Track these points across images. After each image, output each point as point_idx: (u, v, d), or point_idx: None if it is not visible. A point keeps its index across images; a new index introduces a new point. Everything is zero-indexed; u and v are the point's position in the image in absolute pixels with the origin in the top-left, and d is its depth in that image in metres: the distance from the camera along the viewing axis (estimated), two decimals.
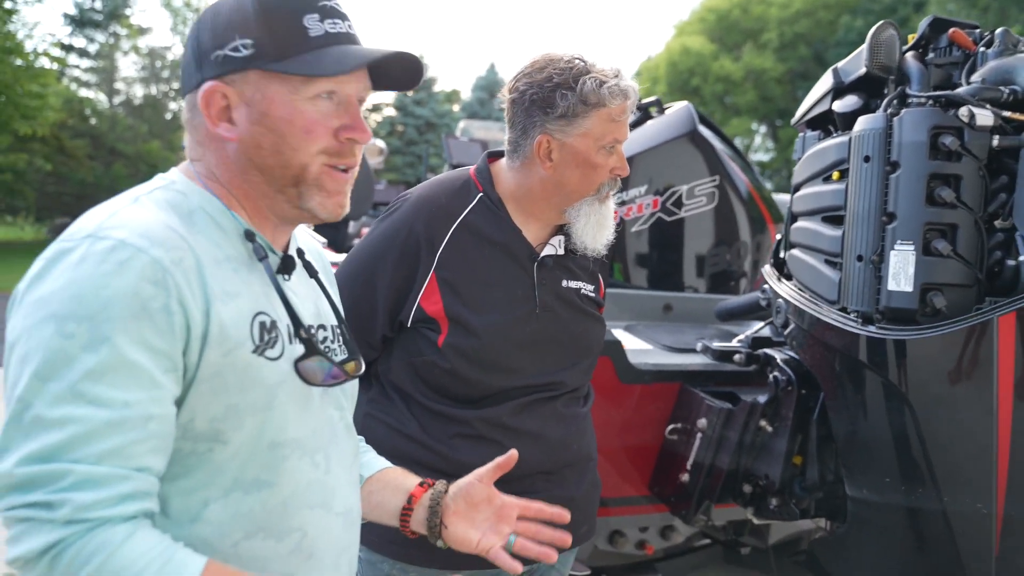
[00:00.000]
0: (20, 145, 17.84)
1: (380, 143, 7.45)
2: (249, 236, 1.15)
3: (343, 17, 1.16)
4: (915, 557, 2.24)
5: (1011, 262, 2.02)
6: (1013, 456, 2.01)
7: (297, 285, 1.24)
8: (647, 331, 3.26)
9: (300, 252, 1.29)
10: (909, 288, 2.06)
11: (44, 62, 16.17)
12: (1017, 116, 2.04)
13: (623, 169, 1.90)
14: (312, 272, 1.29)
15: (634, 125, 3.76)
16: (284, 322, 1.16)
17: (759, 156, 35.11)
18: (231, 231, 1.15)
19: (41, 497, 0.93)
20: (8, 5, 15.88)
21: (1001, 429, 2.00)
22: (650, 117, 3.80)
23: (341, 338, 1.31)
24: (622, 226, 3.64)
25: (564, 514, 1.48)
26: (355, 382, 1.33)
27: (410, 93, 31.05)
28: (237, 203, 1.18)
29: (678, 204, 3.63)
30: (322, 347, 1.23)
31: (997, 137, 2.02)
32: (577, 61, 1.82)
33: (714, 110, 33.53)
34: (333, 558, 1.23)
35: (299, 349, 1.16)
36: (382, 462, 1.51)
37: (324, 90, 1.14)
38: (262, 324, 1.11)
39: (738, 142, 32.60)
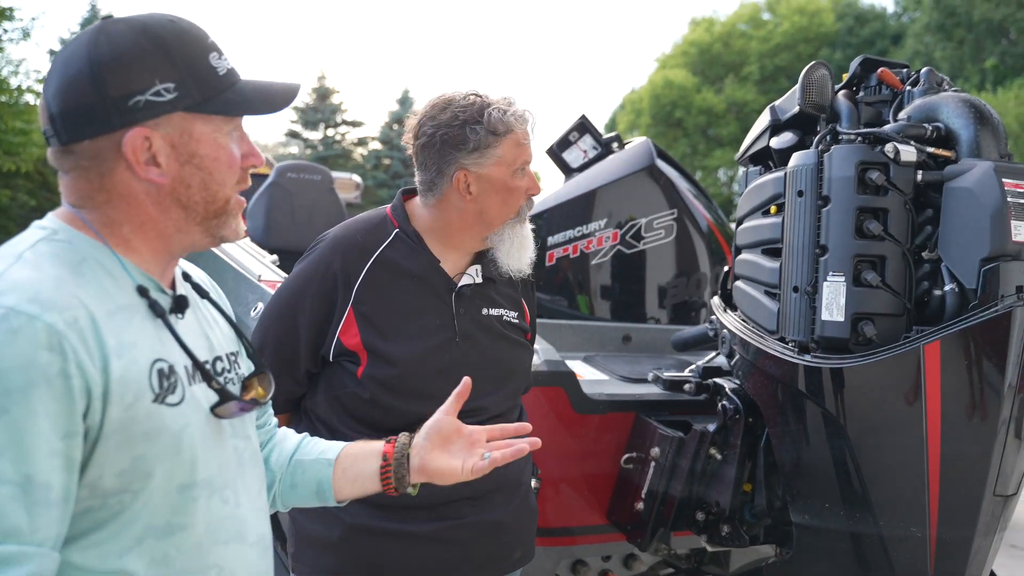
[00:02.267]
0: (4, 181, 17.85)
1: (356, 178, 7.52)
2: (142, 291, 1.14)
3: (223, 53, 1.21)
4: None
5: (938, 292, 2.09)
6: (944, 481, 2.06)
7: (190, 320, 1.24)
8: (604, 361, 3.31)
9: (186, 276, 1.29)
10: (841, 318, 2.12)
11: (29, 99, 16.23)
12: (940, 152, 2.12)
13: (536, 188, 2.00)
14: (202, 293, 1.30)
15: (595, 160, 3.85)
16: (182, 364, 1.16)
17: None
18: (123, 280, 1.13)
19: None
20: None
21: (931, 454, 2.05)
22: (610, 152, 3.90)
23: (239, 359, 1.32)
24: (583, 259, 3.72)
25: (526, 426, 1.54)
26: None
27: (395, 126, 31.26)
28: (134, 249, 1.16)
29: (637, 237, 3.71)
30: (221, 379, 1.24)
31: (921, 172, 2.10)
32: (473, 97, 1.92)
33: (697, 142, 33.89)
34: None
35: (199, 390, 1.17)
36: (339, 444, 1.53)
37: (236, 125, 1.20)
38: (160, 371, 1.11)
39: (721, 173, 32.97)
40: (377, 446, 1.50)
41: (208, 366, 1.22)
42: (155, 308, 1.14)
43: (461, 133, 1.88)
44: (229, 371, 1.27)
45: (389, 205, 2.07)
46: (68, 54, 1.13)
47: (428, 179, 1.96)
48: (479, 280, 2.01)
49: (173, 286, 1.23)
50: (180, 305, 1.21)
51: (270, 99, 1.21)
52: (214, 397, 1.19)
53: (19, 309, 0.99)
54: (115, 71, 1.10)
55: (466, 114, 1.89)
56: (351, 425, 1.93)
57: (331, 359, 1.94)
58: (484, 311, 2.01)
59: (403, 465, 1.46)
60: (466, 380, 1.51)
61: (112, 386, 1.04)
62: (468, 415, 1.96)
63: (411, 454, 1.46)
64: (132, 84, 1.10)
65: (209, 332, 1.28)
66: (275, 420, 1.57)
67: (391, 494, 1.47)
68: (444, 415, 1.49)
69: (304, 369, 1.97)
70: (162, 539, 1.11)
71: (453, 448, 1.47)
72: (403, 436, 1.49)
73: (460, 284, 1.99)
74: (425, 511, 1.93)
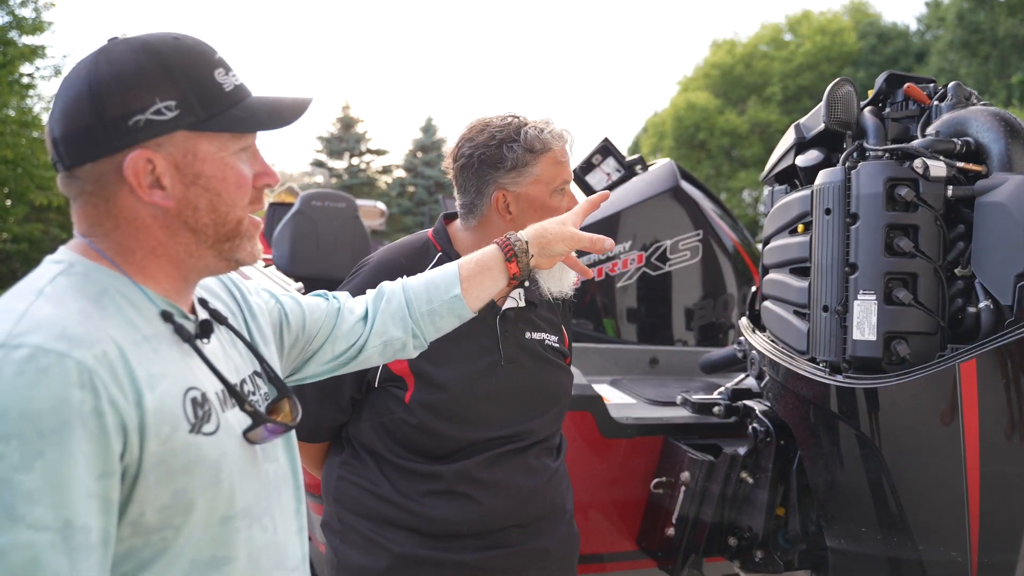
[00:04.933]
0: (36, 215, 18.16)
1: (381, 205, 7.58)
2: (166, 317, 1.11)
3: (231, 69, 1.16)
4: None
5: (972, 309, 2.04)
6: (984, 503, 2.01)
7: (214, 345, 1.20)
8: (631, 385, 3.28)
9: (203, 302, 1.24)
10: (873, 337, 2.08)
11: None
12: (970, 167, 2.09)
13: None
14: (220, 319, 1.24)
15: (619, 183, 3.84)
16: (213, 390, 1.13)
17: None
18: (145, 308, 1.10)
19: None
20: (26, 80, 16.34)
21: (970, 476, 2.00)
22: (634, 174, 3.88)
23: (261, 381, 1.28)
24: (608, 282, 3.69)
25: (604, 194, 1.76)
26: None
27: (419, 154, 31.48)
28: (151, 276, 1.13)
29: (663, 259, 3.68)
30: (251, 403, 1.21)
31: (951, 187, 2.06)
32: (511, 118, 1.93)
33: (721, 163, 33.82)
34: None
35: (232, 416, 1.15)
36: (452, 270, 1.55)
37: (247, 143, 1.15)
38: (194, 400, 1.08)
39: (745, 194, 32.83)
40: (489, 249, 1.56)
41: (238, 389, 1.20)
42: (182, 333, 1.11)
43: (498, 152, 1.89)
44: (254, 394, 1.25)
45: (431, 229, 2.07)
46: (70, 78, 1.10)
47: (468, 201, 1.96)
48: (522, 304, 2.00)
49: (193, 311, 1.21)
50: (205, 330, 1.18)
51: (279, 113, 1.16)
52: (246, 422, 1.16)
53: (47, 347, 0.95)
54: (114, 91, 1.06)
55: (503, 134, 1.90)
56: (396, 451, 1.92)
57: (376, 385, 1.92)
58: (527, 335, 2.00)
59: (525, 252, 1.53)
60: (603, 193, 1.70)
61: (148, 420, 1.01)
62: (515, 439, 1.96)
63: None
64: (131, 103, 1.06)
65: (233, 355, 1.25)
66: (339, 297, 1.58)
67: (514, 272, 1.53)
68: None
69: (348, 396, 1.95)
70: (207, 574, 1.09)
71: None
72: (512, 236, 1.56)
73: (504, 307, 1.97)
74: (474, 539, 1.91)
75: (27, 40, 15.85)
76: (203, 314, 1.22)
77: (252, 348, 1.29)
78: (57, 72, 16.55)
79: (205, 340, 1.18)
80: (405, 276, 1.94)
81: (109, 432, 0.96)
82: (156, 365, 1.05)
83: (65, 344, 0.96)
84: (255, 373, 1.28)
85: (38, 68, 16.56)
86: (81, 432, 0.94)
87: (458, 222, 2.02)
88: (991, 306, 1.99)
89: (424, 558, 1.90)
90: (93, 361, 0.97)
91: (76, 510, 0.93)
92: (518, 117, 1.93)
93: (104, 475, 0.96)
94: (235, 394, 1.15)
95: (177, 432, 1.04)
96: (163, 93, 1.08)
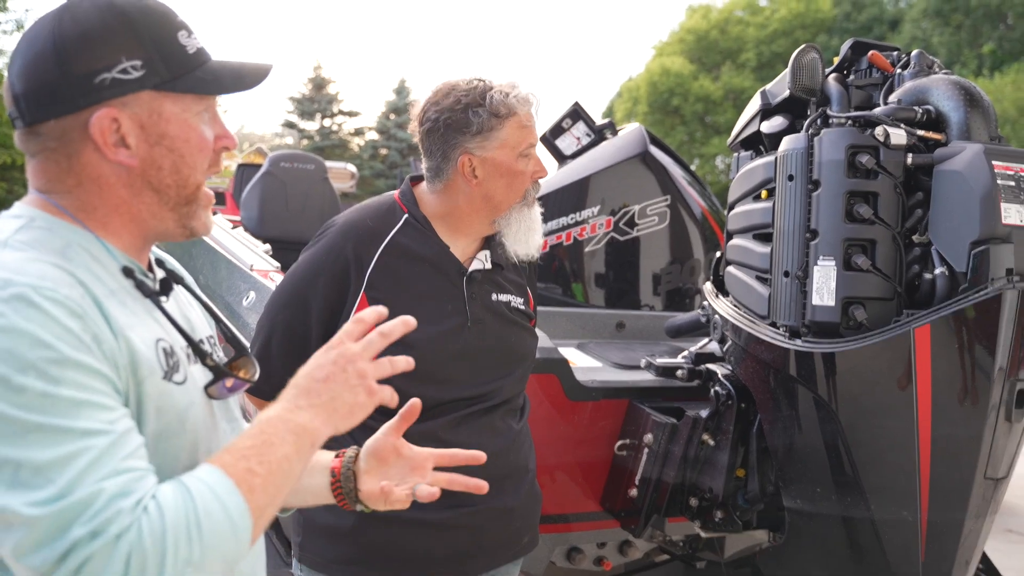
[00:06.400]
0: (0, 174, 17.88)
1: (351, 167, 7.52)
2: (128, 272, 1.12)
3: (194, 32, 1.18)
4: (848, 565, 2.29)
5: (928, 275, 2.08)
6: (935, 464, 2.07)
7: (172, 304, 1.22)
8: (597, 348, 3.31)
9: (160, 262, 1.26)
10: (831, 302, 2.12)
11: None
12: (931, 135, 2.12)
13: (542, 171, 1.99)
14: (177, 279, 1.27)
15: (588, 147, 3.84)
16: (179, 345, 1.15)
17: None
18: (108, 263, 1.11)
19: (83, 530, 0.90)
20: None
21: (922, 438, 2.05)
22: (604, 139, 3.88)
23: (216, 342, 1.31)
24: (576, 246, 3.71)
25: (479, 456, 1.48)
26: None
27: (392, 116, 31.20)
28: (112, 232, 1.13)
29: (631, 224, 3.70)
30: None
31: (911, 155, 2.09)
32: (477, 82, 1.92)
33: (695, 129, 33.84)
34: (250, 570, 1.26)
35: (196, 370, 1.18)
36: None
37: (207, 106, 1.17)
38: (164, 350, 1.11)
39: (718, 161, 32.92)
40: (325, 460, 1.44)
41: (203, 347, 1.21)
42: (143, 289, 1.13)
43: (464, 117, 1.88)
44: (211, 354, 1.26)
45: (397, 191, 2.06)
46: (33, 33, 1.10)
47: (434, 165, 1.95)
48: (488, 266, 2.01)
49: (151, 270, 1.22)
50: (165, 287, 1.20)
51: (241, 78, 1.18)
52: (207, 379, 1.18)
53: (34, 284, 0.97)
54: (80, 48, 1.07)
55: (469, 98, 1.88)
56: None
57: None
58: (493, 296, 2.01)
59: (350, 480, 1.42)
60: (414, 402, 1.42)
61: (132, 358, 1.03)
62: (481, 400, 1.97)
63: (355, 473, 1.42)
64: (97, 61, 1.07)
65: (190, 315, 1.27)
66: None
67: (347, 509, 1.44)
68: (384, 436, 1.43)
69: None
70: None
71: (390, 472, 1.42)
72: (351, 450, 1.45)
73: (471, 269, 1.98)
74: (438, 498, 1.93)
75: None
76: (160, 274, 1.23)
77: (209, 308, 1.31)
78: (19, 26, 16.22)
79: (166, 298, 1.19)
80: (370, 237, 1.95)
81: (107, 358, 0.99)
82: (124, 317, 1.06)
83: (49, 282, 0.98)
84: (209, 337, 1.29)
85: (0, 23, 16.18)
86: (89, 357, 0.97)
87: (424, 184, 2.02)
88: (946, 273, 2.03)
89: (388, 516, 1.91)
90: (78, 297, 0.99)
91: (115, 415, 0.97)
92: (484, 81, 1.92)
93: (115, 392, 1.00)
94: (197, 349, 1.17)
95: (153, 377, 1.06)
96: (129, 52, 1.09)
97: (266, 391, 1.97)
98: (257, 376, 1.27)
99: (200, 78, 1.14)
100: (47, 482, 0.90)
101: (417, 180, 2.07)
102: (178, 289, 1.27)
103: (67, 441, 0.92)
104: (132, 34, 1.09)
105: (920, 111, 2.13)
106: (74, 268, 1.05)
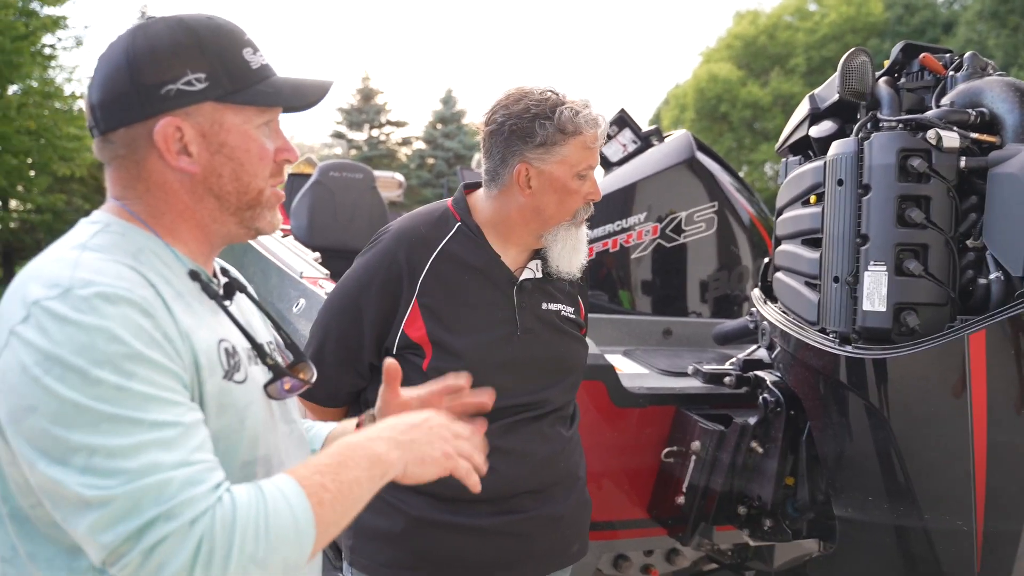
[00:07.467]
0: (59, 186, 18.36)
1: (399, 176, 7.58)
2: (194, 276, 1.18)
3: (259, 50, 1.24)
4: (900, 575, 2.25)
5: (982, 280, 2.05)
6: (991, 473, 2.02)
7: (235, 310, 1.28)
8: (644, 355, 3.30)
9: (224, 271, 1.32)
10: (883, 308, 2.09)
11: (83, 105, 16.72)
12: (984, 137, 2.08)
13: (596, 194, 1.98)
14: (240, 287, 1.33)
15: (634, 154, 3.84)
16: (242, 346, 1.21)
17: None
18: (175, 267, 1.17)
19: (157, 510, 0.95)
20: (48, 51, 16.44)
21: (977, 446, 2.01)
22: (650, 145, 3.88)
23: (278, 347, 1.36)
24: (623, 253, 3.71)
25: (485, 403, 1.49)
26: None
27: (439, 126, 31.41)
28: (179, 238, 1.20)
29: (677, 230, 3.69)
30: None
31: (964, 158, 2.06)
32: (550, 93, 1.91)
33: (743, 136, 33.48)
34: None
35: (257, 371, 1.22)
36: (326, 427, 1.53)
37: (269, 119, 1.23)
38: (226, 350, 1.16)
39: (767, 167, 32.52)
40: (349, 426, 1.50)
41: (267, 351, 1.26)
42: (208, 291, 1.19)
43: (530, 126, 1.88)
44: (271, 355, 1.30)
45: (450, 199, 2.08)
46: (110, 50, 1.18)
47: (492, 167, 1.96)
48: (539, 275, 2.02)
49: (215, 276, 1.28)
50: (229, 292, 1.26)
51: (302, 93, 1.24)
52: (267, 379, 1.23)
53: (112, 284, 1.03)
54: (150, 62, 1.15)
55: (538, 108, 1.88)
56: None
57: (395, 352, 1.94)
58: (544, 306, 2.01)
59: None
60: (391, 363, 1.43)
61: (196, 358, 1.09)
62: (531, 408, 1.98)
63: None
64: (165, 74, 1.15)
65: (252, 321, 1.33)
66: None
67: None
68: (385, 399, 1.45)
69: (367, 362, 1.98)
70: None
71: None
72: (367, 416, 1.48)
73: (521, 278, 1.99)
74: (488, 504, 1.94)
75: (49, 11, 15.93)
76: (224, 280, 1.30)
77: (270, 317, 1.37)
78: (78, 43, 16.66)
79: (229, 302, 1.25)
80: (423, 245, 1.98)
81: (173, 357, 1.05)
82: (190, 319, 1.12)
83: (124, 283, 1.05)
84: (269, 343, 1.35)
85: (60, 39, 16.66)
86: (159, 354, 1.03)
87: (480, 191, 2.03)
88: (1002, 278, 1.99)
89: (439, 522, 1.94)
90: (151, 298, 1.06)
91: (182, 408, 1.02)
92: (557, 94, 1.91)
93: (183, 388, 1.06)
94: (259, 349, 1.22)
95: (214, 376, 1.12)
96: (194, 66, 1.16)
97: (320, 396, 2.01)
98: (315, 378, 1.31)
99: (261, 91, 1.20)
100: (119, 467, 0.95)
101: (470, 188, 2.08)
102: (240, 296, 1.32)
103: (139, 431, 0.97)
104: (198, 49, 1.17)
105: (974, 113, 2.10)
106: (146, 271, 1.11)
